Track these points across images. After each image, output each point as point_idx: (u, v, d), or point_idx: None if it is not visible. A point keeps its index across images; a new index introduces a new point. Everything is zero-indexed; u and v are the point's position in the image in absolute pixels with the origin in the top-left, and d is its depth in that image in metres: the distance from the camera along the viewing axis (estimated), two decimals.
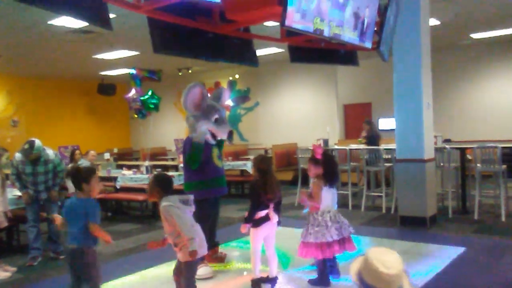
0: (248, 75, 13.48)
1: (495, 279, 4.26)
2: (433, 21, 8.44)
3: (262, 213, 4.03)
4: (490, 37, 10.54)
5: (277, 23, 3.98)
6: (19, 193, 5.78)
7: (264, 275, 4.20)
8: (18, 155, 5.56)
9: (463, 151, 7.24)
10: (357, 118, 13.54)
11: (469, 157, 7.39)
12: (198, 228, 3.58)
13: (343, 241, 4.17)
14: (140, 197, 7.86)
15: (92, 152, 8.39)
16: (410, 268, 4.61)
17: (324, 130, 11.42)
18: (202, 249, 3.54)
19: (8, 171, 5.95)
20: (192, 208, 3.58)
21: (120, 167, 9.77)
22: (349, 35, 4.78)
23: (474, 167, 6.97)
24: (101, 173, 8.95)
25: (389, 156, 7.75)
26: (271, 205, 4.05)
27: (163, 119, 15.30)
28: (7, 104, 13.31)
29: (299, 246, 4.21)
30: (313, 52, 5.96)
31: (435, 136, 7.18)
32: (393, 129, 6.85)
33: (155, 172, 7.99)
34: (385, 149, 7.72)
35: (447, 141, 8.55)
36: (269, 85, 13.75)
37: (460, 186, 7.31)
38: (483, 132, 11.22)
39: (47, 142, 5.92)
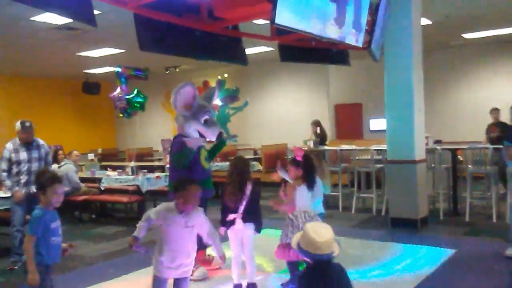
0: (237, 74, 13.33)
1: (486, 282, 4.22)
2: (425, 21, 8.38)
3: (230, 217, 4.02)
4: (481, 37, 10.55)
5: (267, 21, 3.85)
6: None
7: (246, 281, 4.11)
8: (9, 145, 5.46)
9: (454, 152, 7.19)
10: (348, 119, 13.49)
11: (460, 158, 7.35)
12: None
13: None
14: (125, 198, 7.67)
15: (75, 152, 8.19)
16: (401, 271, 4.54)
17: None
18: None
19: None
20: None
21: (104, 167, 9.55)
22: (341, 34, 4.67)
23: (465, 168, 6.92)
24: (85, 174, 8.75)
25: (380, 157, 7.67)
26: (240, 210, 3.99)
27: (149, 118, 15.08)
28: None
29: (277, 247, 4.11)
30: (304, 51, 5.86)
31: (426, 137, 7.12)
32: (384, 130, 6.77)
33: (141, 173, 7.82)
34: (376, 150, 7.64)
35: (438, 142, 8.50)
36: (258, 84, 13.62)
37: (451, 188, 7.25)
38: (474, 132, 11.21)
39: None
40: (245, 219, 4.02)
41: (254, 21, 7.20)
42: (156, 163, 11.35)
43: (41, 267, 3.15)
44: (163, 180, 7.94)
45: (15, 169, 5.43)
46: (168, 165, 9.32)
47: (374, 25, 5.55)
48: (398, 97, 6.48)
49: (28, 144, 5.49)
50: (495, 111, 8.80)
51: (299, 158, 4.16)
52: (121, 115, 9.47)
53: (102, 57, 11.02)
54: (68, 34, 8.77)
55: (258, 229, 4.11)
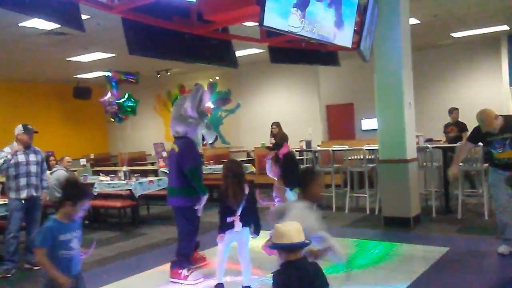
0: (229, 76, 13.34)
1: (478, 279, 4.24)
2: (413, 21, 8.44)
3: (228, 220, 3.98)
4: (470, 36, 10.65)
5: (257, 23, 3.85)
6: None
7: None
8: (7, 148, 5.51)
9: (445, 150, 7.24)
10: (340, 119, 13.55)
11: (451, 156, 7.39)
12: None
13: None
14: (118, 203, 7.63)
15: (67, 158, 8.14)
16: (394, 269, 4.56)
17: (307, 131, 11.38)
18: None
19: None
20: None
21: (97, 173, 9.50)
22: (330, 34, 4.69)
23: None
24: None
25: (372, 157, 7.70)
26: (237, 213, 3.96)
27: (141, 122, 15.05)
28: None
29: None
30: (294, 52, 5.87)
31: (417, 136, 7.16)
32: (376, 130, 6.80)
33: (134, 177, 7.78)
34: (368, 149, 7.67)
35: (429, 140, 8.55)
36: (250, 86, 13.64)
37: (443, 186, 7.30)
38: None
39: None
40: (244, 221, 3.98)
41: (244, 23, 7.22)
42: (150, 167, 11.33)
43: (46, 280, 2.94)
44: (156, 184, 7.92)
45: (13, 172, 5.46)
46: (162, 169, 9.34)
47: (363, 25, 5.58)
48: (388, 96, 6.51)
49: (26, 148, 5.58)
50: (455, 110, 8.92)
51: (280, 155, 4.16)
52: (112, 119, 9.45)
53: (92, 61, 10.98)
54: (57, 39, 8.73)
55: (257, 231, 4.09)
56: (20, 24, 7.59)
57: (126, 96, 9.19)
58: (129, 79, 9.22)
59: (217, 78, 13.43)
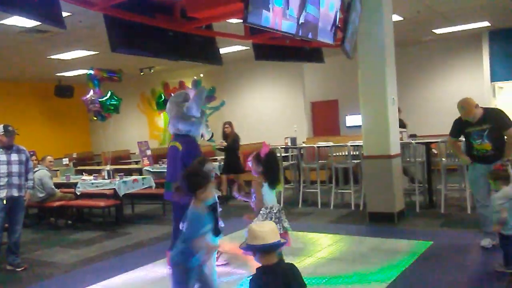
0: (213, 74, 13.27)
1: (462, 272, 4.30)
2: (396, 17, 8.50)
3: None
4: (452, 32, 10.77)
5: (240, 20, 3.84)
6: None
7: None
8: None
9: (428, 145, 7.32)
10: (325, 116, 13.60)
11: (434, 151, 7.48)
12: None
13: (285, 235, 4.01)
14: (102, 203, 7.55)
15: (49, 158, 8.03)
16: (380, 264, 4.60)
17: (292, 128, 11.39)
18: None
19: None
20: None
21: (80, 172, 9.38)
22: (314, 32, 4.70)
23: (439, 161, 7.05)
24: (60, 179, 8.58)
25: (357, 153, 7.75)
26: None
27: (125, 121, 14.89)
28: None
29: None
30: (278, 49, 5.88)
31: (401, 132, 7.23)
32: (360, 126, 6.84)
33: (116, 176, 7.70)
34: (352, 145, 7.71)
35: (413, 136, 8.64)
36: (235, 84, 13.59)
37: (426, 181, 7.38)
38: (447, 126, 11.40)
39: None
40: None
41: (228, 21, 7.18)
42: (134, 166, 11.23)
43: (185, 268, 2.84)
44: (141, 183, 7.85)
45: None
46: (147, 167, 9.28)
47: (347, 22, 5.61)
48: (372, 93, 6.55)
49: (8, 148, 5.49)
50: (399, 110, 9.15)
51: (262, 155, 4.17)
52: (95, 118, 9.34)
53: (74, 59, 10.81)
54: (38, 37, 8.57)
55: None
56: None
57: (109, 94, 9.09)
58: (112, 77, 9.12)
59: (202, 75, 13.34)
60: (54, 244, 6.65)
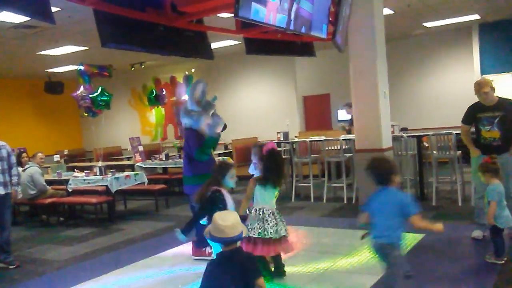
0: (205, 69, 13.23)
1: (453, 264, 4.34)
2: (387, 11, 8.52)
3: None
4: (442, 25, 10.81)
5: (231, 15, 3.82)
6: None
7: None
8: None
9: (419, 139, 7.36)
10: (317, 110, 13.62)
11: (425, 144, 7.53)
12: None
13: (269, 243, 4.01)
14: (94, 199, 7.51)
15: (39, 155, 7.97)
16: (372, 257, 4.61)
17: (284, 122, 11.39)
18: None
19: None
20: None
21: (71, 169, 9.32)
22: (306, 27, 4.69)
23: (430, 154, 7.10)
24: (51, 176, 8.52)
25: (349, 147, 7.78)
26: None
27: (116, 117, 14.80)
28: None
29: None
30: (270, 43, 5.88)
31: (392, 125, 7.25)
32: (352, 120, 6.85)
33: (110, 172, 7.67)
34: (344, 139, 7.73)
35: (404, 129, 8.70)
36: (226, 78, 13.56)
37: (417, 174, 7.43)
38: (438, 119, 11.52)
39: None
40: None
41: (219, 15, 7.16)
42: (126, 162, 11.18)
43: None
44: (133, 179, 7.82)
45: None
46: (139, 163, 9.22)
47: (338, 16, 5.61)
48: (364, 86, 6.57)
49: None
50: (348, 105, 9.26)
51: (263, 152, 4.14)
52: (86, 114, 9.28)
53: (64, 55, 10.71)
54: (27, 32, 8.47)
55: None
56: None
57: (100, 90, 9.03)
58: (102, 73, 9.05)
59: (193, 70, 13.30)
60: (46, 241, 6.61)
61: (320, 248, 5.12)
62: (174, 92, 13.25)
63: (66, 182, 7.84)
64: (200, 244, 4.95)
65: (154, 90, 12.32)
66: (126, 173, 7.94)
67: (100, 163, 8.25)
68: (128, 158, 11.97)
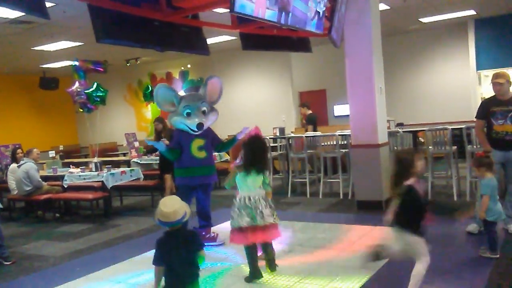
0: (201, 64, 13.20)
1: (448, 258, 4.35)
2: (383, 6, 8.51)
3: None
4: (438, 21, 10.83)
5: (227, 10, 3.81)
6: None
7: None
8: None
9: (415, 134, 7.38)
10: (313, 105, 13.59)
11: (421, 139, 7.55)
12: None
13: (256, 229, 3.97)
14: (90, 195, 7.50)
15: (35, 150, 7.93)
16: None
17: (280, 118, 11.39)
18: None
19: None
20: None
21: (67, 165, 9.29)
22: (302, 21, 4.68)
23: (426, 149, 7.12)
24: (46, 172, 8.49)
25: (345, 142, 7.79)
26: None
27: (111, 113, 14.76)
28: None
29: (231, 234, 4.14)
30: (266, 39, 5.87)
31: (388, 121, 7.28)
32: (348, 115, 6.86)
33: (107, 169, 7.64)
34: (340, 135, 7.74)
35: (400, 125, 8.72)
36: (222, 74, 13.48)
37: None
38: (433, 115, 11.57)
39: None
40: None
41: (215, 10, 7.13)
42: (121, 158, 11.15)
43: None
44: (129, 175, 7.81)
45: None
46: (135, 159, 9.22)
47: (334, 11, 5.60)
48: (360, 82, 6.57)
49: None
50: (304, 105, 9.34)
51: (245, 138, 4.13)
52: (81, 110, 9.24)
53: (58, 50, 10.65)
54: (21, 28, 8.42)
55: None
56: None
57: (95, 85, 8.99)
58: (97, 68, 9.01)
59: (189, 66, 13.26)
60: (42, 237, 6.60)
61: (315, 243, 5.14)
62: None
63: (61, 178, 7.81)
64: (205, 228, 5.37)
65: (149, 86, 12.27)
66: (121, 169, 7.92)
67: (95, 159, 8.23)
68: (124, 154, 11.95)
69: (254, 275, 4.08)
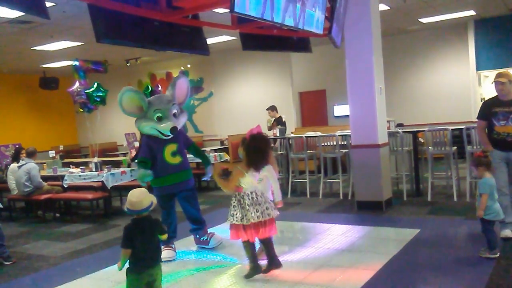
0: (201, 64, 13.20)
1: (448, 259, 4.35)
2: (383, 7, 8.51)
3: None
4: (438, 21, 10.83)
5: (227, 10, 3.81)
6: None
7: None
8: None
9: (415, 134, 7.38)
10: (313, 106, 13.64)
11: (421, 140, 7.55)
12: None
13: (262, 225, 3.99)
14: (90, 195, 7.49)
15: (30, 149, 7.93)
16: (368, 252, 4.65)
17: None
18: None
19: None
20: None
21: (67, 165, 9.28)
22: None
23: (426, 150, 7.12)
24: (46, 172, 8.49)
25: (345, 143, 7.79)
26: None
27: (111, 112, 14.70)
28: None
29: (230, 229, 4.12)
30: (266, 39, 5.86)
31: (388, 121, 7.27)
32: (348, 116, 6.86)
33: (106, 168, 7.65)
34: (340, 135, 7.74)
35: (400, 125, 8.72)
36: (223, 74, 13.53)
37: (413, 169, 7.45)
38: (433, 115, 11.57)
39: None
40: None
41: (215, 10, 7.13)
42: (121, 158, 11.12)
43: None
44: (129, 175, 7.80)
45: None
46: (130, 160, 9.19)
47: (334, 11, 5.59)
48: (360, 82, 6.56)
49: None
50: (272, 108, 9.38)
51: (247, 136, 4.12)
52: (81, 110, 9.24)
53: (58, 50, 10.65)
54: (22, 27, 8.42)
55: None
56: None
57: (95, 85, 9.00)
58: (98, 68, 9.01)
59: (189, 66, 13.26)
60: (42, 237, 6.60)
61: (315, 244, 5.13)
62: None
63: (61, 178, 7.81)
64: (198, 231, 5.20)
65: (149, 86, 12.24)
66: (121, 169, 7.91)
67: (95, 159, 8.22)
68: (124, 154, 11.93)
69: (254, 270, 4.09)
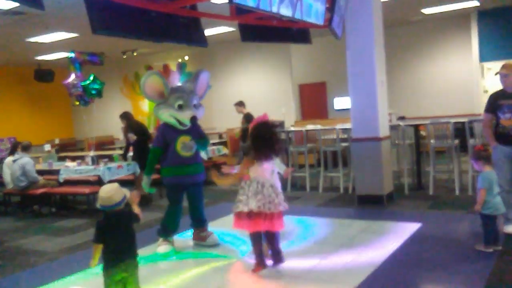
0: (199, 56, 13.06)
1: (450, 253, 4.30)
2: None
3: None
4: (440, 12, 10.71)
5: (226, 0, 3.69)
6: None
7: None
8: None
9: (417, 127, 7.29)
10: (313, 98, 13.53)
11: (423, 133, 7.46)
12: None
13: (267, 217, 3.88)
14: (87, 189, 7.40)
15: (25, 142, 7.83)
16: (369, 246, 4.57)
17: (280, 111, 11.28)
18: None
19: None
20: None
21: (63, 158, 9.18)
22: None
23: (428, 143, 7.04)
24: (42, 166, 8.38)
25: (346, 136, 7.70)
26: None
27: (108, 105, 14.61)
28: None
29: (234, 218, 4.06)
30: (265, 30, 5.75)
31: (390, 114, 7.18)
32: (349, 108, 6.76)
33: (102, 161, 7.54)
34: (341, 128, 7.64)
35: (402, 118, 8.62)
36: (221, 66, 13.39)
37: (415, 163, 7.37)
38: (435, 108, 11.49)
39: None
40: None
41: (213, 1, 7.00)
42: (118, 152, 11.03)
43: None
44: (126, 169, 7.69)
45: None
46: (132, 153, 9.11)
47: (335, 2, 5.48)
48: (361, 74, 6.45)
49: None
50: (240, 103, 9.08)
51: (251, 125, 4.03)
52: (77, 102, 9.12)
53: (54, 42, 10.50)
54: (16, 19, 8.27)
55: None
56: None
57: (91, 78, 8.87)
58: (94, 60, 8.88)
59: (187, 58, 13.12)
60: (38, 232, 6.51)
61: (315, 238, 5.06)
62: (167, 80, 13.07)
63: (57, 172, 7.70)
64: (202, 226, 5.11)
65: None
66: (118, 163, 7.81)
67: (92, 153, 8.11)
68: (121, 148, 11.82)
69: (260, 263, 4.02)
